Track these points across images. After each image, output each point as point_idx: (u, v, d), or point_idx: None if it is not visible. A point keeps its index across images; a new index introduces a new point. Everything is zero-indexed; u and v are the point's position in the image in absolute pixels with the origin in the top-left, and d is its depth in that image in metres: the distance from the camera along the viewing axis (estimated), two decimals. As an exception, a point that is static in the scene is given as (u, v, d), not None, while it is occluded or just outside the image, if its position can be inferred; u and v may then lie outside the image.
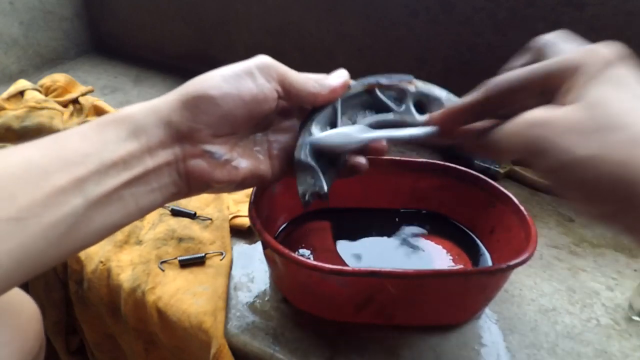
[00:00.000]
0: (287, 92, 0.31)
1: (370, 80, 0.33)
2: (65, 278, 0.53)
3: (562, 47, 0.25)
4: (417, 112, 0.33)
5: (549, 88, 0.24)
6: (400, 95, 0.33)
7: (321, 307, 0.42)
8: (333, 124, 0.32)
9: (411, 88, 0.33)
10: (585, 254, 0.52)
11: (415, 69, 0.72)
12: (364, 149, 0.32)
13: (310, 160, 0.31)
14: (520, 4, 0.60)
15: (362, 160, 0.33)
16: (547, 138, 0.22)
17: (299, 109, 0.34)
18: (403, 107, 0.33)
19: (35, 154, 0.25)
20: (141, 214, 0.28)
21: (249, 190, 0.42)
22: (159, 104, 0.28)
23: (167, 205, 0.56)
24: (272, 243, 0.37)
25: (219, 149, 0.29)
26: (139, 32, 0.99)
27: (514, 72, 0.25)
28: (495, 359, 0.40)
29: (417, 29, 0.69)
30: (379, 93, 0.33)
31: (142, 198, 0.28)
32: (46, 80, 0.75)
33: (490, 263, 0.46)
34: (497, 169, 0.62)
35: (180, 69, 0.95)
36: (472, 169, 0.48)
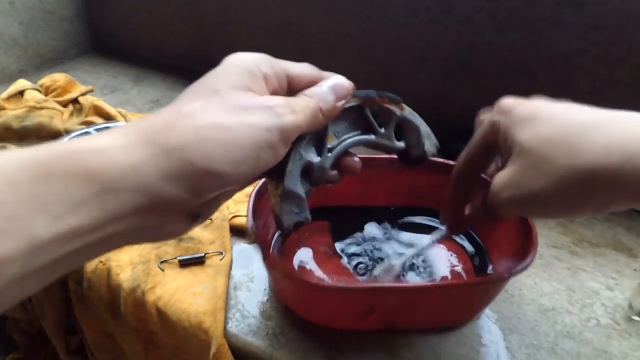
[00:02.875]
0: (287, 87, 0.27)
1: (369, 94, 0.32)
2: (65, 278, 0.53)
3: (485, 118, 0.32)
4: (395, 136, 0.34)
5: (488, 152, 0.31)
6: (386, 119, 0.33)
7: (324, 318, 0.42)
8: (321, 141, 0.30)
9: (397, 111, 0.33)
10: (585, 254, 0.52)
11: (415, 69, 0.72)
12: (339, 165, 0.32)
13: (298, 189, 0.29)
14: (520, 4, 0.60)
15: (335, 173, 0.32)
16: (513, 195, 0.27)
17: None
18: (384, 130, 0.33)
19: None
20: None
21: (249, 190, 0.42)
22: (144, 164, 0.20)
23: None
24: (273, 260, 0.37)
25: (202, 210, 0.24)
26: (139, 32, 0.99)
27: (459, 158, 0.33)
28: (495, 359, 0.40)
29: (417, 29, 0.69)
30: (368, 113, 0.32)
31: (79, 261, 0.20)
32: (46, 80, 0.75)
33: (489, 261, 0.46)
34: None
35: (180, 69, 0.95)
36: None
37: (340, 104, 0.28)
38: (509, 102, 0.29)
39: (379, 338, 0.41)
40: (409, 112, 0.33)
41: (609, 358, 0.40)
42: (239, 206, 0.56)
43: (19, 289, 0.18)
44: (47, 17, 0.93)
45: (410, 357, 0.40)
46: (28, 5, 0.89)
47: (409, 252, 0.40)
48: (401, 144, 0.34)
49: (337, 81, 0.28)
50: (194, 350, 0.44)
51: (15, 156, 0.18)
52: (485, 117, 0.31)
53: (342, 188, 0.50)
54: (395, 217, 0.52)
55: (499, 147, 0.29)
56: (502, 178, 0.27)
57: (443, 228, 0.37)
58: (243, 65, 0.24)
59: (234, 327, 0.42)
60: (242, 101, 0.23)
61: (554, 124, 0.25)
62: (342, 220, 0.51)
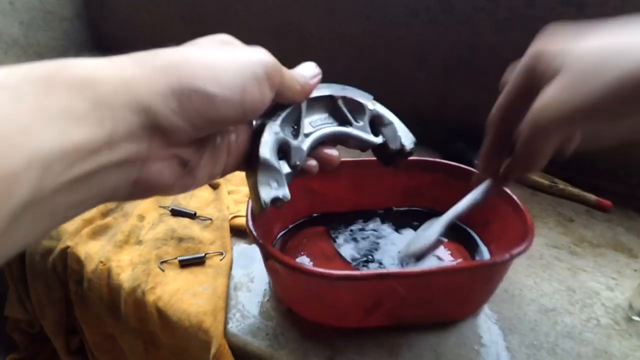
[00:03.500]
0: (277, 95, 0.27)
1: (336, 88, 0.33)
2: (65, 278, 0.53)
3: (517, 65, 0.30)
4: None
5: (530, 89, 0.28)
6: (359, 111, 0.33)
7: (330, 316, 0.42)
8: (297, 123, 0.31)
9: (369, 105, 0.33)
10: (585, 254, 0.52)
11: (415, 69, 0.72)
12: (317, 155, 0.32)
13: (274, 161, 0.29)
14: (520, 4, 0.60)
15: (313, 162, 0.32)
16: (567, 99, 0.25)
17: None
18: (361, 123, 0.33)
19: None
20: (64, 220, 0.20)
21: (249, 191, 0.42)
22: (135, 78, 0.20)
23: (167, 204, 0.56)
24: (277, 255, 0.37)
25: (191, 156, 0.24)
26: (139, 32, 0.99)
27: (499, 99, 0.30)
28: (495, 358, 0.40)
29: (417, 29, 0.69)
30: (341, 104, 0.33)
31: (69, 208, 0.20)
32: (46, 80, 0.75)
33: (487, 254, 0.47)
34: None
35: (180, 69, 0.95)
36: (472, 168, 0.48)
37: (313, 81, 0.30)
38: (543, 39, 0.29)
39: (378, 338, 0.41)
40: (380, 107, 0.34)
41: (609, 358, 0.40)
42: (239, 206, 0.56)
43: (29, 221, 0.17)
44: (47, 17, 0.93)
45: (410, 357, 0.40)
46: (28, 5, 0.89)
47: (448, 214, 0.39)
48: (379, 139, 0.34)
49: (305, 64, 0.30)
50: (194, 350, 0.44)
51: (18, 69, 0.18)
52: (516, 66, 0.30)
53: (336, 193, 0.51)
54: (392, 218, 0.52)
55: (536, 88, 0.28)
56: (547, 96, 0.26)
57: (484, 185, 0.36)
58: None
59: (234, 327, 0.42)
60: (227, 40, 0.26)
61: (602, 36, 0.26)
62: (338, 224, 0.51)
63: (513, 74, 0.30)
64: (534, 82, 0.28)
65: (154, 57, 0.22)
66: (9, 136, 0.16)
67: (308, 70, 0.30)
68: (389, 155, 0.35)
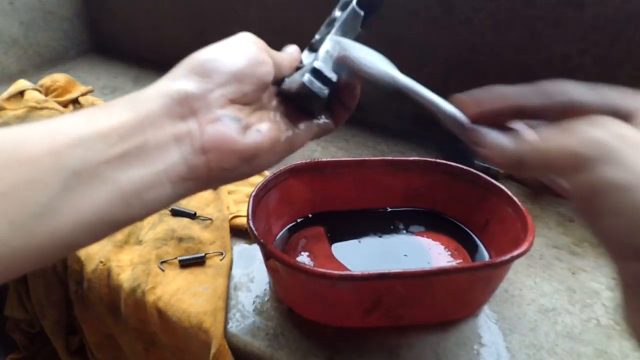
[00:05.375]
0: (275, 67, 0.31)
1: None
2: (65, 278, 0.53)
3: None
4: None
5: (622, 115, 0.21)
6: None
7: (329, 315, 0.42)
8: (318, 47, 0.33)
9: None
10: (585, 254, 0.52)
11: (415, 69, 0.72)
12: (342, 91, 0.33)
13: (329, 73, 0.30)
14: (520, 4, 0.60)
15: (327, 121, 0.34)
16: (614, 147, 0.18)
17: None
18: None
19: (21, 130, 0.21)
20: (143, 209, 0.23)
21: (249, 190, 0.42)
22: (156, 83, 0.25)
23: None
24: (278, 253, 0.37)
25: (236, 113, 0.26)
26: (139, 32, 0.99)
27: (590, 92, 0.22)
28: (495, 358, 0.40)
29: (417, 29, 0.69)
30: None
31: (144, 187, 0.22)
32: (46, 80, 0.75)
33: (487, 255, 0.46)
34: (497, 169, 0.62)
35: (180, 69, 0.95)
36: (472, 169, 0.48)
37: (294, 53, 0.35)
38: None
39: (378, 338, 0.41)
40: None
41: (609, 358, 0.40)
42: (239, 206, 0.56)
43: (81, 188, 0.21)
44: (47, 17, 0.93)
45: (410, 357, 0.40)
46: (28, 5, 0.89)
47: (418, 87, 0.28)
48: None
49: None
50: (194, 351, 0.44)
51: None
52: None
53: (337, 191, 0.51)
54: (391, 219, 0.52)
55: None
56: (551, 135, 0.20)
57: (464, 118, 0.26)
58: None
59: (234, 327, 0.42)
60: (226, 40, 0.29)
61: None
62: (338, 224, 0.51)
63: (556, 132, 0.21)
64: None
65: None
66: (63, 125, 0.21)
67: (286, 50, 0.35)
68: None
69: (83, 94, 0.74)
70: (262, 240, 0.38)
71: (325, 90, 0.29)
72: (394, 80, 0.29)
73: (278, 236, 0.49)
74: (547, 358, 0.40)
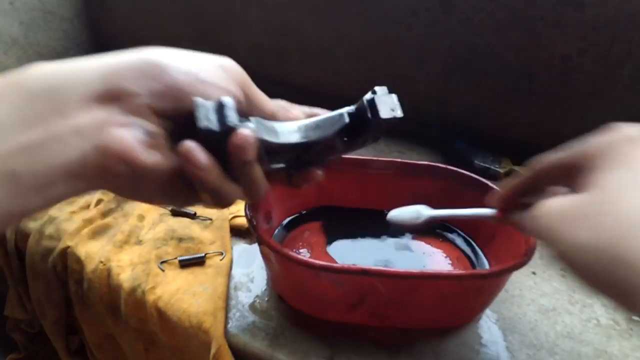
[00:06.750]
0: (248, 98, 0.27)
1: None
2: (65, 278, 0.53)
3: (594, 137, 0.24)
4: None
5: (570, 173, 0.24)
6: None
7: (314, 306, 0.42)
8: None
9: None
10: (585, 254, 0.52)
11: (415, 69, 0.72)
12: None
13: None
14: (520, 4, 0.60)
15: (319, 172, 0.32)
16: (550, 228, 0.22)
17: None
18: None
19: None
20: (35, 202, 0.21)
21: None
22: (84, 65, 0.23)
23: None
24: (266, 239, 0.37)
25: (153, 127, 0.23)
26: (139, 33, 0.99)
27: (551, 155, 0.26)
28: (495, 359, 0.40)
29: (417, 29, 0.69)
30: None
31: (36, 175, 0.20)
32: (46, 80, 0.75)
33: (488, 267, 0.46)
34: (497, 169, 0.62)
35: (180, 69, 0.95)
36: (472, 169, 0.48)
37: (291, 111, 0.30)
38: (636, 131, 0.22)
39: (379, 338, 0.41)
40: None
41: (609, 358, 0.40)
42: (238, 206, 0.56)
43: None
44: (47, 17, 0.93)
45: (410, 357, 0.40)
46: (28, 5, 0.89)
47: (445, 211, 0.38)
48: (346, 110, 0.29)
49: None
50: (194, 350, 0.44)
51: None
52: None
53: (340, 189, 0.51)
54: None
55: (578, 174, 0.23)
56: (556, 204, 0.23)
57: (490, 209, 0.33)
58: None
59: (234, 327, 0.42)
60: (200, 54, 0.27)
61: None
62: (340, 222, 0.51)
63: (573, 149, 0.24)
64: (579, 166, 0.23)
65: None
66: None
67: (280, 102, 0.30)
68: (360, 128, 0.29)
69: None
70: (254, 223, 0.38)
71: (213, 125, 0.24)
72: (427, 216, 0.39)
73: (276, 230, 0.50)
74: (547, 358, 0.40)
